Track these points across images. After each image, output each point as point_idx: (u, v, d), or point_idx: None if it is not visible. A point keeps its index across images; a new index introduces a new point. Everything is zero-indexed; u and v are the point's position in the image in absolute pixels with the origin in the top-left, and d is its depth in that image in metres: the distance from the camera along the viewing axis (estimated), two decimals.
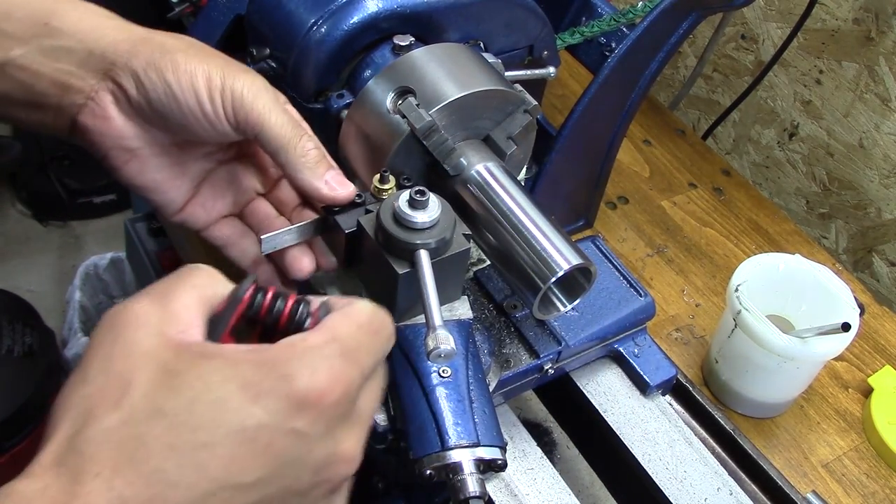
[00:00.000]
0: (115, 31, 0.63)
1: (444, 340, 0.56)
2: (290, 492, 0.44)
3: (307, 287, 0.76)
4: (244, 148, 0.71)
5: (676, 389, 0.83)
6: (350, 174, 0.69)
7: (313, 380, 0.43)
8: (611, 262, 0.82)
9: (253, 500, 0.42)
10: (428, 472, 0.62)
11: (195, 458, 0.40)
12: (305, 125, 0.66)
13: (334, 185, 0.65)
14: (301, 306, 0.47)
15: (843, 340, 0.86)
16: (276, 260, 0.69)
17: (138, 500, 0.39)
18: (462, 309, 0.69)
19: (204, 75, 0.62)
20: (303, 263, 0.67)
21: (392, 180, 0.65)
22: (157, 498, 0.39)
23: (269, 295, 0.47)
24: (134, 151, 0.65)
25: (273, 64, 0.77)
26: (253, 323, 0.47)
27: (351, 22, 0.73)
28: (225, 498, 0.41)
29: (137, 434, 0.40)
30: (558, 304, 0.68)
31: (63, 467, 0.40)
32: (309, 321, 0.47)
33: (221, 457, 0.41)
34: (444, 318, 0.60)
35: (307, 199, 0.69)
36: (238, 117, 0.63)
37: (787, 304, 0.95)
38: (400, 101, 0.67)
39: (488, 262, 0.78)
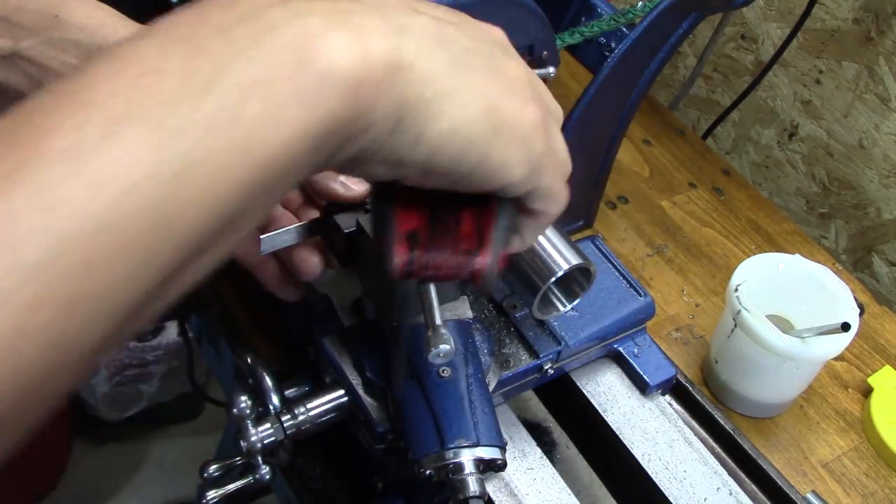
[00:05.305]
0: (125, 29, 0.63)
1: (444, 340, 0.56)
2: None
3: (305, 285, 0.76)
4: None
5: (676, 389, 0.83)
6: None
7: None
8: (610, 262, 0.82)
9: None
10: (428, 472, 0.62)
11: None
12: None
13: (350, 184, 0.65)
14: None
15: (843, 340, 0.86)
16: (284, 260, 0.69)
17: None
18: (462, 309, 0.69)
19: None
20: (312, 265, 0.67)
21: None
22: None
23: None
24: None
25: None
26: None
27: None
28: None
29: None
30: (558, 304, 0.68)
31: None
32: None
33: None
34: (444, 317, 0.60)
35: (311, 198, 0.69)
36: None
37: (787, 304, 0.95)
38: None
39: None
